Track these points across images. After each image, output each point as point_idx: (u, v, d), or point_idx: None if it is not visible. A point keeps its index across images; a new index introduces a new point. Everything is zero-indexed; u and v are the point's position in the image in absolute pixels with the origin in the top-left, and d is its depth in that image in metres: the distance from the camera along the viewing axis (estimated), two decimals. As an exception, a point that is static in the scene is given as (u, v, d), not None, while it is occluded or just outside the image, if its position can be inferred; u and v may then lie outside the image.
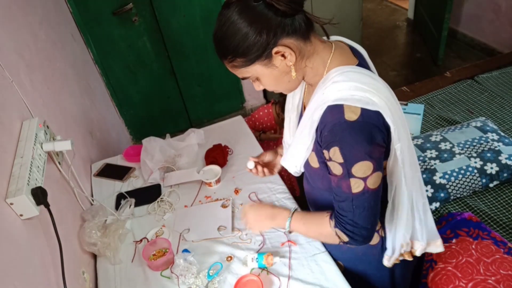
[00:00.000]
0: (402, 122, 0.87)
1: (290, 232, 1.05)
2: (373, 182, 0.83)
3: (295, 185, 2.15)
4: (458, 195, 1.74)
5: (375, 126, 0.80)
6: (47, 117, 1.37)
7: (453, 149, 1.82)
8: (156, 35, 2.85)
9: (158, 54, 2.93)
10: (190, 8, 2.80)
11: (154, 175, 1.61)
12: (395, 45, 4.15)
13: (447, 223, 1.55)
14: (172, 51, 2.95)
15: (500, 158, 1.75)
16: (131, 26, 2.75)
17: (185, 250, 1.27)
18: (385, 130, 0.82)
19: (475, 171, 1.73)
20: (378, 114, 0.80)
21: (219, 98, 3.33)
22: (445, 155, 1.80)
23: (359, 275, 1.17)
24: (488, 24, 3.53)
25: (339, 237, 0.92)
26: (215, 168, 1.57)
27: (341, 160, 0.82)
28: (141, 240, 1.37)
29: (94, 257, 1.36)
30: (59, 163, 1.34)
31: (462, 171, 1.73)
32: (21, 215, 0.96)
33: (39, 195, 0.99)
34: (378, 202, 0.88)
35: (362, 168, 0.81)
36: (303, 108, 1.02)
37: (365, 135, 0.79)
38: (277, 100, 2.23)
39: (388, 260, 1.04)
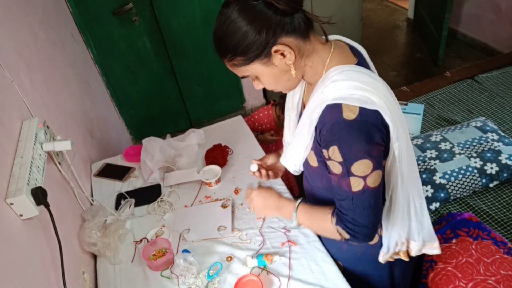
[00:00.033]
0: (401, 121, 0.87)
1: (298, 225, 1.06)
2: (373, 180, 0.83)
3: (293, 185, 2.15)
4: (458, 195, 1.74)
5: (373, 125, 0.80)
6: (47, 117, 1.37)
7: (453, 149, 1.82)
8: (156, 35, 2.85)
9: (158, 54, 2.93)
10: (190, 8, 2.80)
11: (154, 175, 1.61)
12: (395, 45, 4.15)
13: (447, 223, 1.55)
14: (172, 51, 2.95)
15: (500, 158, 1.74)
16: (131, 26, 2.75)
17: (185, 250, 1.27)
18: (384, 129, 0.82)
19: (475, 171, 1.73)
20: (376, 113, 0.80)
21: (219, 98, 3.33)
22: (445, 155, 1.80)
23: (358, 275, 1.17)
24: (488, 24, 3.53)
25: (340, 234, 0.92)
26: (215, 168, 1.57)
27: (340, 159, 0.82)
28: (141, 240, 1.37)
29: (94, 257, 1.36)
30: (59, 163, 1.34)
31: (462, 171, 1.73)
32: (21, 215, 0.96)
33: (39, 195, 0.99)
34: (379, 200, 0.88)
35: (362, 166, 0.81)
36: (303, 107, 1.03)
37: (363, 134, 0.79)
38: (277, 102, 2.23)
39: (382, 257, 1.04)
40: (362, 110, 0.79)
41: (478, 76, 2.54)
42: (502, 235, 1.56)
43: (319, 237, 1.25)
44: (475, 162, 1.75)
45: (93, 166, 1.76)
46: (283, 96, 1.02)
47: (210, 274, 1.20)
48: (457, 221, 1.52)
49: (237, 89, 3.33)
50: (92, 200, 1.55)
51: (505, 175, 1.73)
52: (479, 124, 1.95)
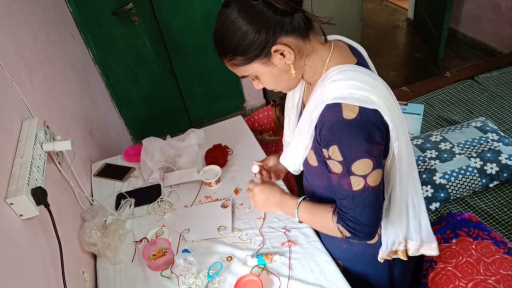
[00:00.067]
0: (401, 121, 0.87)
1: (300, 222, 1.06)
2: (373, 179, 0.84)
3: (293, 184, 2.15)
4: (458, 195, 1.74)
5: (373, 124, 0.80)
6: (47, 117, 1.37)
7: (453, 149, 1.82)
8: (156, 35, 2.85)
9: (158, 54, 2.93)
10: (190, 8, 2.81)
11: (154, 175, 1.61)
12: (395, 45, 4.15)
13: (447, 223, 1.55)
14: (172, 51, 2.95)
15: (500, 158, 1.75)
16: (131, 26, 2.75)
17: (185, 250, 1.27)
18: (384, 128, 0.83)
19: (475, 171, 1.73)
20: (376, 113, 0.80)
21: (219, 98, 3.33)
22: (445, 155, 1.80)
23: (358, 275, 1.17)
24: (488, 24, 3.53)
25: (341, 233, 0.92)
26: (215, 168, 1.57)
27: (341, 159, 0.82)
28: (141, 240, 1.37)
29: (94, 257, 1.36)
30: (59, 163, 1.34)
31: (462, 171, 1.73)
32: (21, 215, 0.96)
33: (39, 195, 0.99)
34: (379, 199, 0.88)
35: (362, 166, 0.82)
36: (303, 106, 1.03)
37: (363, 133, 0.79)
38: (277, 103, 2.22)
39: (380, 255, 1.05)
40: (362, 110, 0.79)
41: (478, 76, 2.54)
42: (502, 235, 1.56)
43: (319, 237, 1.25)
44: (475, 162, 1.75)
45: (93, 166, 1.76)
46: (283, 97, 1.02)
47: (210, 274, 1.20)
48: (457, 221, 1.52)
49: (237, 89, 3.33)
50: (92, 200, 1.55)
51: (505, 175, 1.73)
52: (479, 124, 1.95)
